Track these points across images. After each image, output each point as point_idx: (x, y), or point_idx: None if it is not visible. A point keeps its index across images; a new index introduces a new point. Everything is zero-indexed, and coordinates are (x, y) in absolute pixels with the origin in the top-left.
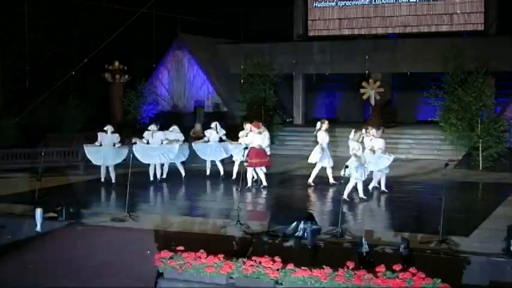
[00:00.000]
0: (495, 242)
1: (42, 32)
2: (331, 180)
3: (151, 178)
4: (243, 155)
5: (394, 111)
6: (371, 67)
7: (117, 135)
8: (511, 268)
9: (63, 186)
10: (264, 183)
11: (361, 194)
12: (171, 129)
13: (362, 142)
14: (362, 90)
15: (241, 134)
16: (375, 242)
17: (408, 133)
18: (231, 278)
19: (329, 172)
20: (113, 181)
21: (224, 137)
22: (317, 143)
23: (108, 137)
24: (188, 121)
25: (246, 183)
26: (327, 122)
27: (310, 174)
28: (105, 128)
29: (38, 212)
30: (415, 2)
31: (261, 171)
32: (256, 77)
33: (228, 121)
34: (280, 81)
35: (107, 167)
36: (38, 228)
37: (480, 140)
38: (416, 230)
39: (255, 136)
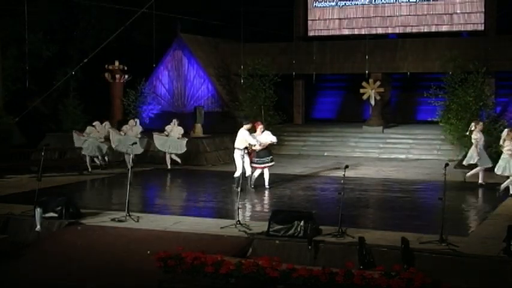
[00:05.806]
0: (495, 242)
1: (42, 32)
2: (481, 181)
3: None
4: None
5: (394, 111)
6: (371, 67)
7: (140, 129)
8: (511, 268)
9: (63, 186)
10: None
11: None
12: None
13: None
14: (362, 90)
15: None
16: (375, 242)
17: (408, 133)
18: (231, 278)
19: (481, 173)
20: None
21: (180, 135)
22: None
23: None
24: (188, 121)
25: (251, 184)
26: (481, 122)
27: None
28: (129, 122)
29: (38, 212)
30: (415, 2)
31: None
32: (256, 77)
33: (228, 121)
34: (280, 81)
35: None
36: (38, 228)
37: None
38: (416, 230)
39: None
